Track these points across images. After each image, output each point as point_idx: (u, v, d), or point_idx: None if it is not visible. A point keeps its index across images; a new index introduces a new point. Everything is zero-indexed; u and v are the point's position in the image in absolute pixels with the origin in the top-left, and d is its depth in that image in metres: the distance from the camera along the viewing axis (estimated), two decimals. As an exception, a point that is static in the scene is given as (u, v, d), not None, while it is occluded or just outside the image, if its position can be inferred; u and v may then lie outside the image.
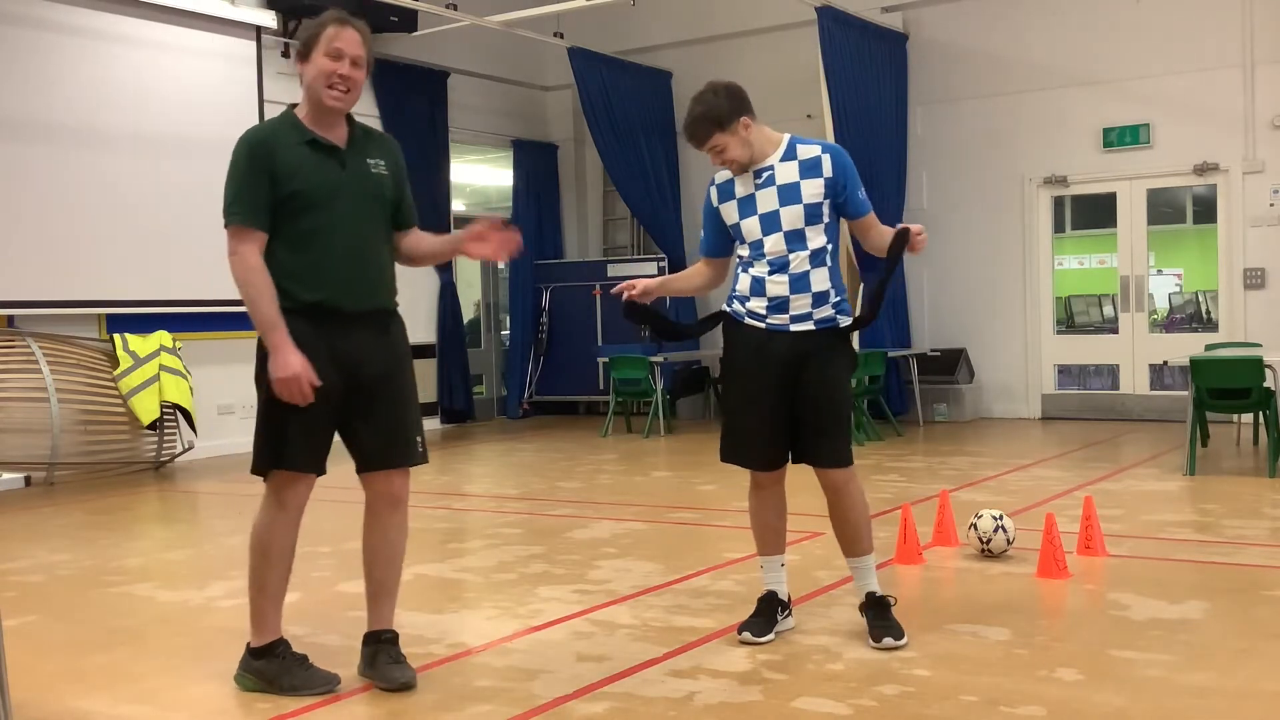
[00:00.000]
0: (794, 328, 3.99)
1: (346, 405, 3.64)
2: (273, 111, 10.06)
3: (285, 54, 10.93)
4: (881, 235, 4.11)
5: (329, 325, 3.58)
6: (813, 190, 3.97)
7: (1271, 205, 10.61)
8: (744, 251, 4.07)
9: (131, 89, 9.68)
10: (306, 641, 4.19)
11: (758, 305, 4.02)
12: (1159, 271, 12.07)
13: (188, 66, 10.06)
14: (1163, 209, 11.69)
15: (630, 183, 12.77)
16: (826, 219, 4.00)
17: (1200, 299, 12.07)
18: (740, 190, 4.06)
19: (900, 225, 4.04)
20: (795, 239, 3.96)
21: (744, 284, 4.06)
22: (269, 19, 10.61)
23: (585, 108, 12.59)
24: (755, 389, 4.04)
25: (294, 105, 3.70)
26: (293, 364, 3.47)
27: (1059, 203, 11.87)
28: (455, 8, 10.79)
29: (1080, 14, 11.30)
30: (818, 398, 4.00)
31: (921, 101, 11.97)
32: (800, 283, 3.96)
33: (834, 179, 3.99)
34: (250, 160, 3.57)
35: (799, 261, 3.96)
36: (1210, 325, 11.36)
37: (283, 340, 3.49)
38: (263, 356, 3.58)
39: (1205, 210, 11.39)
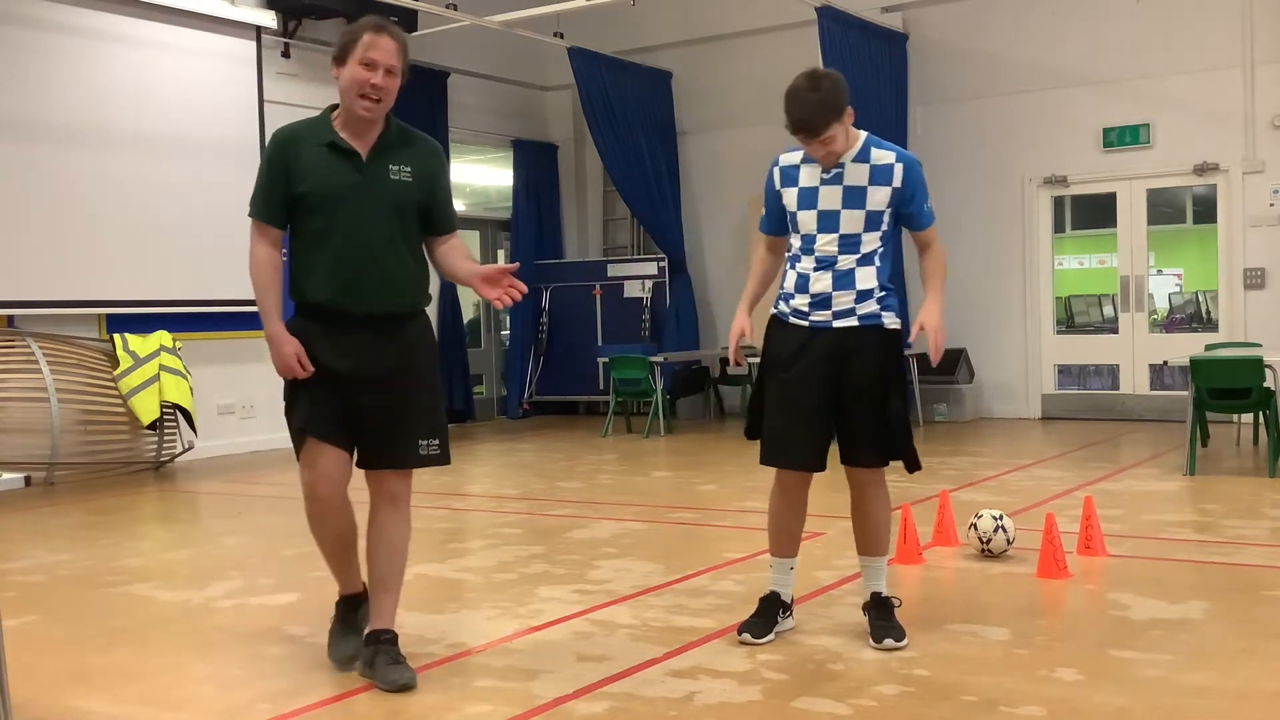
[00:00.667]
0: (837, 324, 3.95)
1: (353, 395, 3.69)
2: (272, 111, 10.27)
3: (285, 54, 10.93)
4: (928, 267, 4.04)
5: (334, 325, 3.67)
6: (879, 198, 3.92)
7: (1271, 205, 10.61)
8: (795, 242, 4.03)
9: (131, 89, 9.68)
10: (307, 642, 4.20)
11: (801, 302, 3.98)
12: (1159, 271, 12.07)
13: (188, 66, 10.06)
14: (1163, 209, 11.69)
15: (630, 183, 12.77)
16: (885, 226, 3.96)
17: (1200, 299, 12.07)
18: (804, 179, 3.99)
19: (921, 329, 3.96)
20: (849, 242, 3.92)
21: (790, 281, 4.03)
22: (269, 19, 10.61)
23: (585, 108, 12.59)
24: (799, 389, 4.00)
25: (334, 106, 3.74)
26: (285, 352, 3.64)
27: (1059, 203, 11.87)
28: (455, 8, 10.79)
29: (1080, 14, 11.31)
30: (858, 400, 3.97)
31: (921, 101, 11.97)
32: (844, 280, 3.92)
33: (902, 190, 3.93)
34: (271, 158, 3.68)
35: (846, 262, 3.92)
36: (1210, 325, 11.36)
37: (276, 330, 3.65)
38: None
39: (1205, 210, 11.39)
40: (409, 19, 11.43)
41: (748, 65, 12.75)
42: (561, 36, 12.09)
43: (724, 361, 12.76)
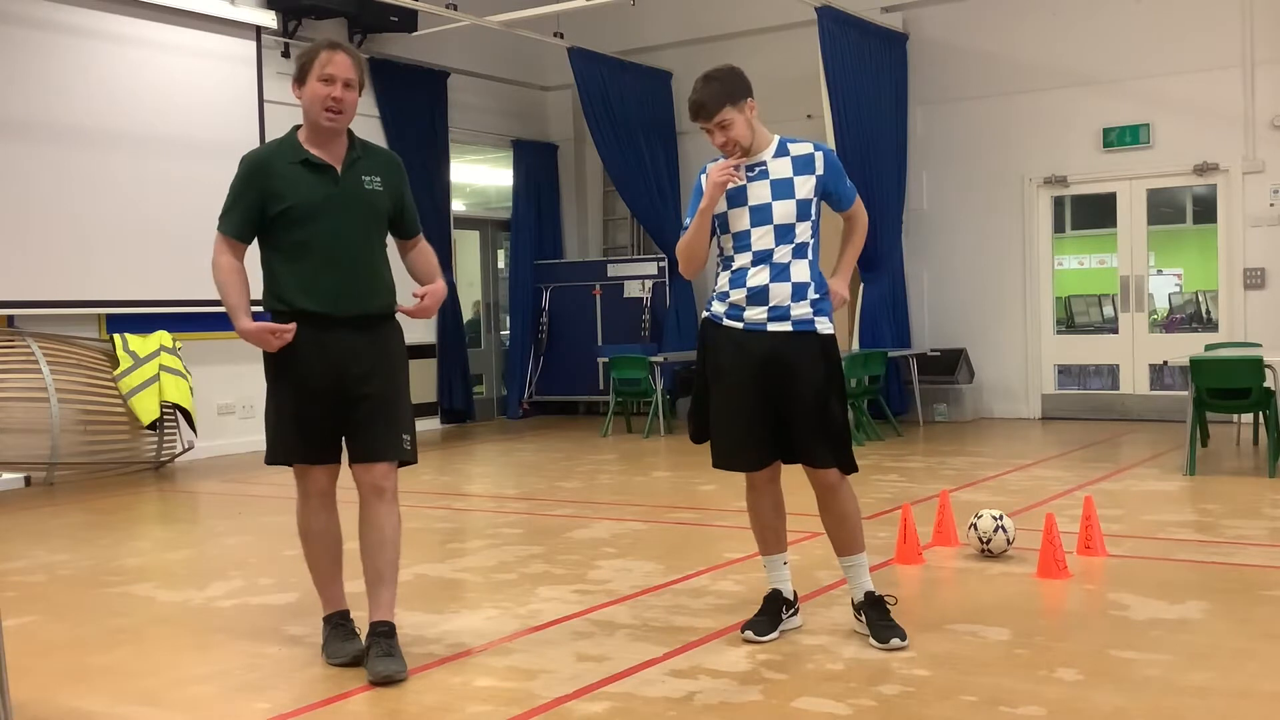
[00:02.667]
0: (771, 327, 3.98)
1: (340, 401, 3.88)
2: (272, 111, 10.29)
3: (285, 54, 10.93)
4: (850, 232, 4.22)
5: (321, 329, 3.84)
6: (806, 187, 4.02)
7: (1271, 205, 10.61)
8: (726, 244, 4.08)
9: (131, 89, 9.68)
10: (307, 642, 4.20)
11: (737, 297, 4.02)
12: (1159, 271, 12.08)
13: (188, 66, 10.06)
14: (1163, 209, 11.69)
15: (630, 183, 12.77)
16: (814, 216, 4.06)
17: (1200, 299, 12.07)
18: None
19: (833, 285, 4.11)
20: (784, 233, 3.99)
21: (724, 280, 4.08)
22: (269, 19, 10.61)
23: (585, 108, 12.59)
24: (737, 392, 4.03)
25: (298, 126, 3.96)
26: (260, 334, 3.79)
27: (1059, 203, 11.87)
28: (455, 8, 10.79)
29: (1080, 14, 11.30)
30: (806, 408, 3.98)
31: (921, 101, 11.97)
32: (782, 274, 3.98)
33: (825, 176, 4.06)
34: (246, 179, 3.86)
35: (782, 254, 3.99)
36: (1210, 325, 11.36)
37: (247, 324, 3.80)
38: (268, 358, 3.90)
39: (1205, 210, 11.39)
40: (409, 19, 11.45)
41: (748, 65, 12.46)
42: (561, 36, 12.09)
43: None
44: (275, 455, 3.96)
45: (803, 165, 4.04)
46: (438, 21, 11.23)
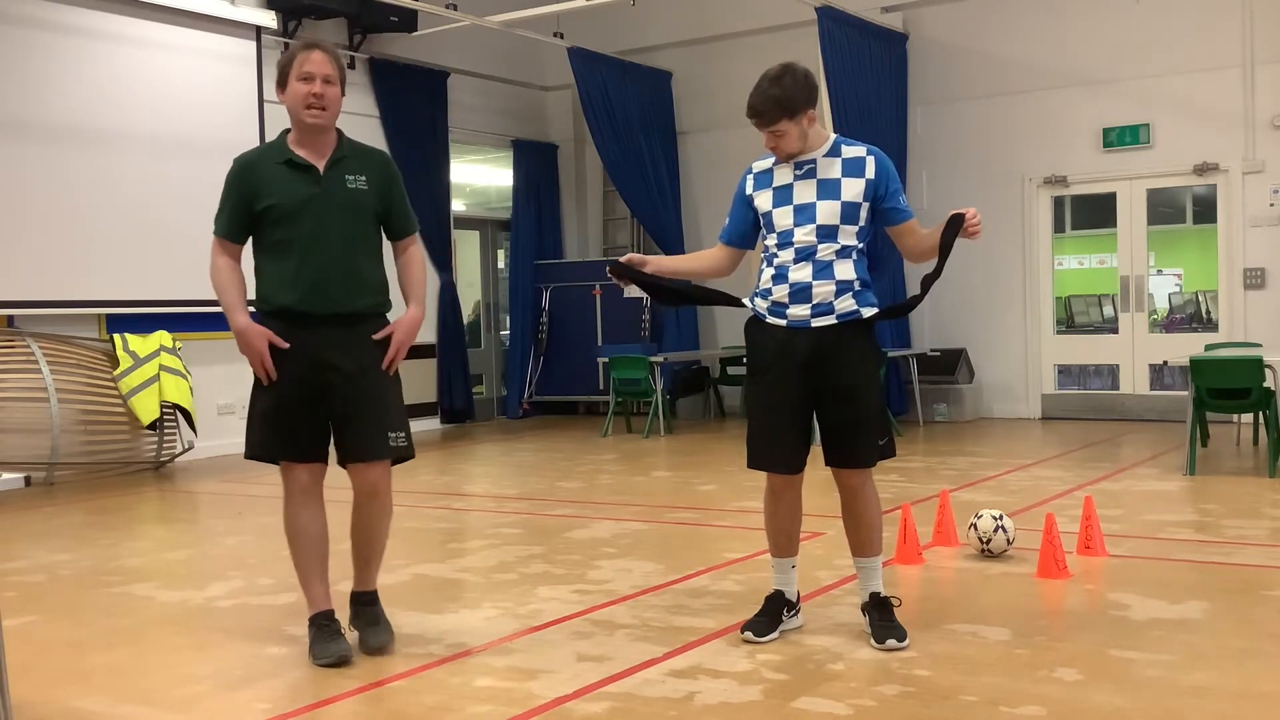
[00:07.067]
0: (815, 322, 3.92)
1: (323, 400, 3.93)
2: (272, 111, 10.30)
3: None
4: (924, 238, 4.04)
5: (301, 326, 3.91)
6: (853, 190, 3.93)
7: (1271, 205, 10.61)
8: (770, 241, 4.01)
9: (131, 89, 9.68)
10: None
11: (780, 294, 3.96)
12: (1159, 271, 12.08)
13: (188, 66, 10.06)
14: (1163, 209, 11.69)
15: (630, 183, 12.77)
16: (862, 222, 3.96)
17: (1200, 299, 12.07)
18: (778, 179, 4.01)
19: (953, 211, 3.93)
20: (827, 233, 3.91)
21: (766, 276, 4.02)
22: (269, 19, 10.61)
23: (585, 108, 12.59)
24: (779, 391, 3.99)
25: (288, 130, 4.02)
26: (256, 343, 3.88)
27: (1059, 203, 11.87)
28: (455, 8, 10.80)
29: (1080, 14, 11.31)
30: (841, 401, 3.96)
31: (921, 101, 11.97)
32: (825, 271, 3.91)
33: (875, 181, 3.95)
34: (233, 180, 3.96)
35: (826, 252, 3.91)
36: (1210, 325, 11.36)
37: (244, 323, 3.91)
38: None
39: (1205, 210, 11.39)
40: (409, 19, 11.46)
41: (748, 65, 12.58)
42: (561, 36, 12.09)
43: (724, 361, 12.77)
44: (253, 450, 4.00)
45: (852, 167, 3.95)
46: (437, 21, 11.23)
